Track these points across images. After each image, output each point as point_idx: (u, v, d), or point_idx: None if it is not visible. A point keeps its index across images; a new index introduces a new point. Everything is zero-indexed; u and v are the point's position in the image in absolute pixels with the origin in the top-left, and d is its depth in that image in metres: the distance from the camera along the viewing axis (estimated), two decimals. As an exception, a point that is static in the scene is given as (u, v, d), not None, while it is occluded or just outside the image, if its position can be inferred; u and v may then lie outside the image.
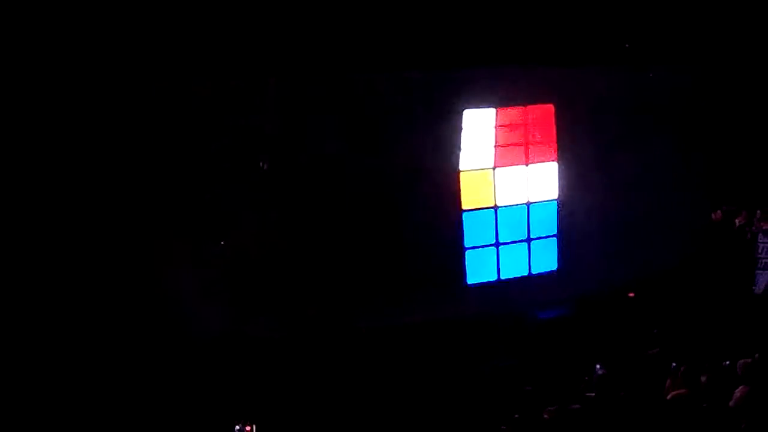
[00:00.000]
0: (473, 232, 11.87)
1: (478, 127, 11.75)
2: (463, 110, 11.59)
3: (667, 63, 12.46)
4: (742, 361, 7.42)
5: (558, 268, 12.28)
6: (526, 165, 12.06)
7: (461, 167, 11.67)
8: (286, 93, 10.96)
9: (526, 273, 12.09)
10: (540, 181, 12.18)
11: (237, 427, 8.09)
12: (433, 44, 11.00)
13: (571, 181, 12.32)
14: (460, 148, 11.63)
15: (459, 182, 11.69)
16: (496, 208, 12.00)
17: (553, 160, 12.21)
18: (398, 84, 11.28)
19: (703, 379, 6.90)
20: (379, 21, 10.69)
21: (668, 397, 6.97)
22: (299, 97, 10.99)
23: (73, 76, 9.79)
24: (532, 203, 12.17)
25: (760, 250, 12.26)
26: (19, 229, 9.76)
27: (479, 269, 11.88)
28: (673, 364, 7.61)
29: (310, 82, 10.98)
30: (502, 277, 11.97)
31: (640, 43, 12.11)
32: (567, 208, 12.31)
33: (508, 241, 12.04)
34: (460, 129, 11.62)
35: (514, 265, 12.08)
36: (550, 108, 12.08)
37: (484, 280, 11.89)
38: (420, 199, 11.40)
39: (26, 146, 9.77)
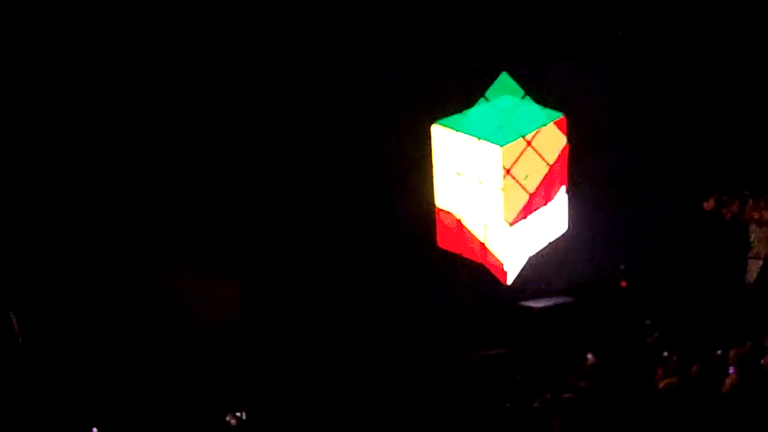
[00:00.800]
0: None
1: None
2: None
3: (657, 55, 12.46)
4: (734, 349, 7.44)
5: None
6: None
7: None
8: (279, 83, 10.93)
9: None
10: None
11: (228, 417, 8.08)
12: (431, 35, 10.96)
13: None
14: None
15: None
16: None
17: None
18: (394, 73, 11.25)
19: (694, 368, 6.90)
20: (375, 9, 10.66)
21: (659, 386, 6.96)
22: (292, 87, 10.96)
23: (59, 70, 9.74)
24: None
25: (752, 239, 12.30)
26: (14, 224, 9.72)
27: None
28: (665, 353, 7.62)
29: (303, 71, 10.95)
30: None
31: (632, 35, 12.11)
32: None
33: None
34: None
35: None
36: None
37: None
38: (412, 189, 11.40)
39: (20, 142, 9.74)
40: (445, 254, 11.59)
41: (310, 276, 11.16)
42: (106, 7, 9.76)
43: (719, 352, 7.76)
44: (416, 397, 9.16)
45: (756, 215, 12.40)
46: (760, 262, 12.12)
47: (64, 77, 9.92)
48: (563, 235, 12.01)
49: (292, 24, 10.48)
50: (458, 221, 11.29)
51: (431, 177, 11.31)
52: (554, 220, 11.68)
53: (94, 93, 10.18)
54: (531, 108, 11.37)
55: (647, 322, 11.02)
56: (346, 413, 9.01)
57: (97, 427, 8.43)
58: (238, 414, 8.27)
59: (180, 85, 10.55)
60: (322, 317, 11.13)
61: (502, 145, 10.57)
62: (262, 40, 10.37)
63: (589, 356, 7.76)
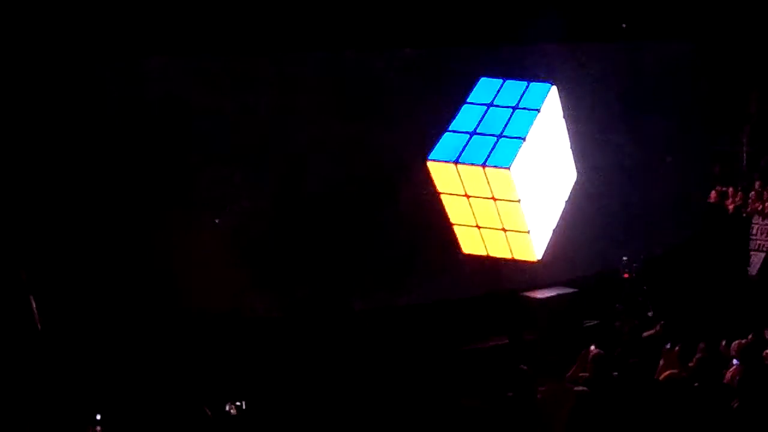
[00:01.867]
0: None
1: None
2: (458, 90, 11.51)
3: (664, 40, 12.41)
4: (736, 341, 7.44)
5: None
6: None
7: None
8: (279, 72, 10.92)
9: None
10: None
11: (227, 407, 8.07)
12: (428, 22, 10.93)
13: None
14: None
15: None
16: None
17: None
18: (393, 61, 11.23)
19: (696, 359, 6.90)
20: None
21: (661, 377, 6.97)
22: (292, 75, 10.95)
23: (59, 59, 9.74)
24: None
25: (754, 231, 12.30)
26: (18, 210, 9.73)
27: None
28: (667, 345, 7.62)
29: (304, 60, 10.94)
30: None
31: (638, 20, 12.05)
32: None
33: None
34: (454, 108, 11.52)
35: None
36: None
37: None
38: (413, 178, 11.37)
39: (19, 132, 9.73)
40: (446, 246, 11.59)
41: (311, 266, 11.17)
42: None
43: (722, 344, 7.78)
44: (418, 388, 9.19)
45: (758, 207, 12.40)
46: (763, 255, 12.12)
47: (68, 71, 9.94)
48: (566, 227, 11.99)
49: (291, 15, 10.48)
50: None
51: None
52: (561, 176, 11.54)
53: (95, 86, 10.21)
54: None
55: (650, 313, 11.02)
56: (348, 405, 9.03)
57: (100, 414, 8.45)
58: (237, 403, 8.27)
59: (180, 75, 10.56)
60: (323, 309, 11.14)
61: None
62: (259, 30, 10.36)
63: (592, 348, 7.74)
